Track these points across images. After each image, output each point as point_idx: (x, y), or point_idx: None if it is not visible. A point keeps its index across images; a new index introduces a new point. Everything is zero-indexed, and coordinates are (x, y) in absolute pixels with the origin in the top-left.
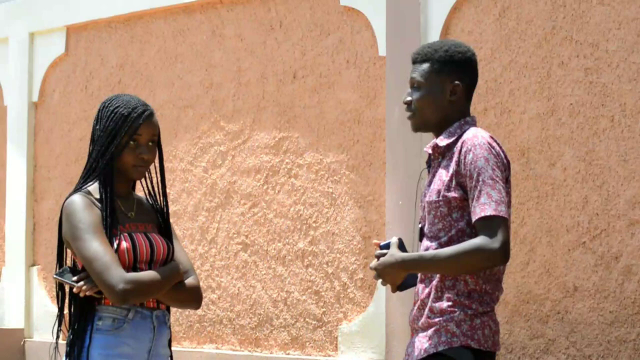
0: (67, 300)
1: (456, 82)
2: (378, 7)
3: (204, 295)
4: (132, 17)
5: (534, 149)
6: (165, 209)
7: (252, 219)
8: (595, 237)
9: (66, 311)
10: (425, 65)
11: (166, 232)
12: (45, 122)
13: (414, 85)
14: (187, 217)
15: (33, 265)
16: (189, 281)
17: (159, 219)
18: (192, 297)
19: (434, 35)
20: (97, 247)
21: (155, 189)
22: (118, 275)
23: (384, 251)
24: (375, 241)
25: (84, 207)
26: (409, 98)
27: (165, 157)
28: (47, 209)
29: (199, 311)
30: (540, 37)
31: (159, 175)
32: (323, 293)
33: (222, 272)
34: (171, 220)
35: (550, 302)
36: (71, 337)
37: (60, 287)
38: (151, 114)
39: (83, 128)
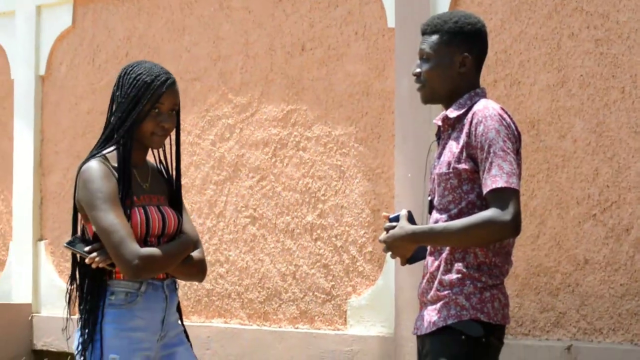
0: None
1: (465, 53)
2: None
3: (212, 269)
4: None
5: (544, 120)
6: (177, 180)
7: (260, 192)
8: (606, 210)
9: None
10: (435, 37)
11: (176, 203)
12: (53, 95)
13: (423, 57)
14: (195, 191)
15: (40, 239)
16: (195, 254)
17: (169, 189)
18: (197, 270)
19: (443, 6)
20: (113, 219)
21: (169, 159)
22: (133, 250)
23: (393, 224)
24: (384, 214)
25: (102, 176)
26: (418, 70)
27: None
28: (54, 183)
29: (207, 285)
30: (550, 8)
31: (174, 145)
32: (332, 267)
33: (230, 245)
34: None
35: (561, 275)
36: (84, 311)
37: (74, 256)
38: (174, 82)
39: (90, 101)
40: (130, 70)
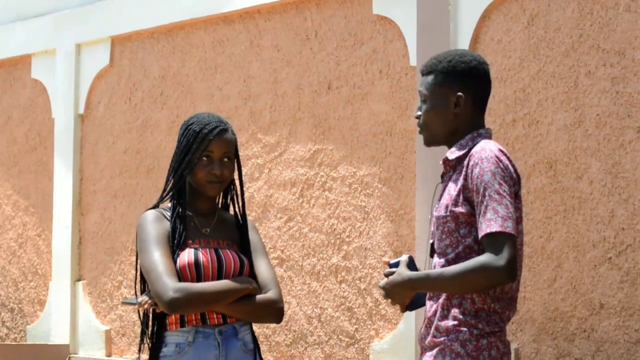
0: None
1: (459, 93)
2: (410, 16)
3: None
4: (174, 28)
5: (561, 161)
6: (243, 223)
7: (287, 233)
8: (621, 253)
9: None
10: (430, 77)
11: (244, 248)
12: (91, 134)
13: (422, 99)
14: None
15: (79, 280)
16: (266, 295)
17: (241, 236)
18: (265, 311)
19: (463, 44)
20: (154, 258)
21: (236, 205)
22: (168, 284)
23: (393, 270)
24: (384, 259)
25: (152, 221)
26: (418, 112)
27: None
28: (92, 223)
29: None
30: (567, 46)
31: (238, 190)
32: (356, 309)
33: None
34: None
35: (577, 319)
36: None
37: (144, 314)
38: (223, 130)
39: (127, 140)
40: (186, 122)
